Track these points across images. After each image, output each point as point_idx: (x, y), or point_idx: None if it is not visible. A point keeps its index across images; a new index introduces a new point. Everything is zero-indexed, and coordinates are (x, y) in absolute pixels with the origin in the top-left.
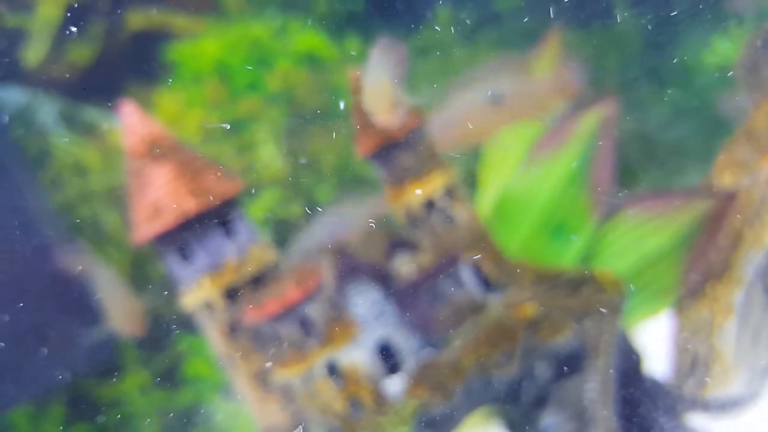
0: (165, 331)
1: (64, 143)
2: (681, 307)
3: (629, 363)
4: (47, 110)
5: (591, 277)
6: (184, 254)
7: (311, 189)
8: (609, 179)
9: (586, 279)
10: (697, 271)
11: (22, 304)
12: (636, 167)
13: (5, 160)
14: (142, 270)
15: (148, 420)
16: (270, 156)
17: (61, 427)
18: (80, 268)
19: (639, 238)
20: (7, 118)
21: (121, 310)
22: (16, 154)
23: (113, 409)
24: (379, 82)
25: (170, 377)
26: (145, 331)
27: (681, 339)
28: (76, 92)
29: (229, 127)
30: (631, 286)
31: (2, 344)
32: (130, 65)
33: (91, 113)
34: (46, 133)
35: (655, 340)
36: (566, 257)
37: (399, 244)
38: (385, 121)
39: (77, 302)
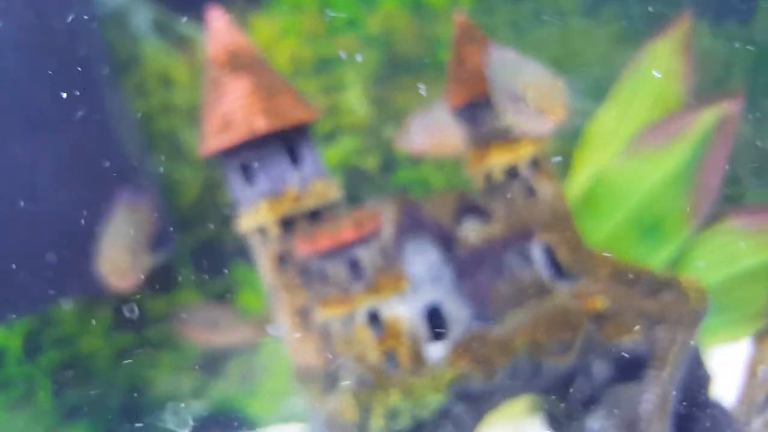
0: (224, 257)
1: (154, 51)
2: (765, 338)
3: (696, 382)
4: (142, 16)
5: (675, 283)
6: (247, 175)
7: (392, 143)
8: (717, 185)
9: (668, 283)
10: None
11: (88, 202)
12: (749, 177)
13: (92, 60)
14: (210, 193)
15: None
16: (356, 100)
17: (106, 333)
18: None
19: (736, 253)
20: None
21: (119, 262)
22: (104, 55)
23: (160, 324)
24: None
25: (220, 303)
26: (133, 287)
27: (759, 371)
28: (174, 3)
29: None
30: (716, 302)
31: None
32: None
33: (185, 25)
34: (138, 38)
35: (730, 367)
36: (654, 259)
37: (471, 209)
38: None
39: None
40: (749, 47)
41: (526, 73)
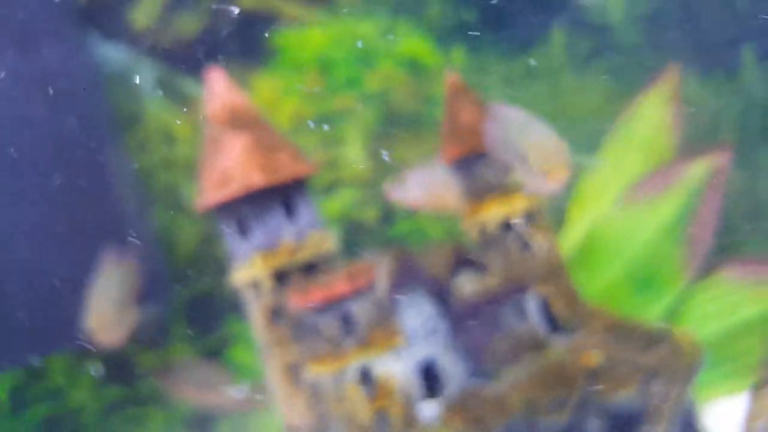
0: (217, 312)
1: (157, 108)
2: (762, 391)
3: None
4: (146, 74)
5: (669, 336)
6: (243, 228)
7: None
8: (710, 236)
9: (663, 337)
10: None
11: (83, 254)
12: (742, 229)
13: (96, 118)
14: (207, 247)
15: None
16: (355, 155)
17: (95, 384)
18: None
19: (731, 305)
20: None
21: (105, 316)
22: (108, 112)
23: (150, 379)
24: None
25: (213, 359)
26: (122, 344)
27: (756, 426)
28: (177, 61)
29: (313, 125)
30: (711, 355)
31: (56, 284)
32: (234, 43)
33: (188, 84)
34: (142, 96)
35: (726, 422)
36: (648, 312)
37: (466, 262)
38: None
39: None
40: (737, 98)
41: (530, 134)
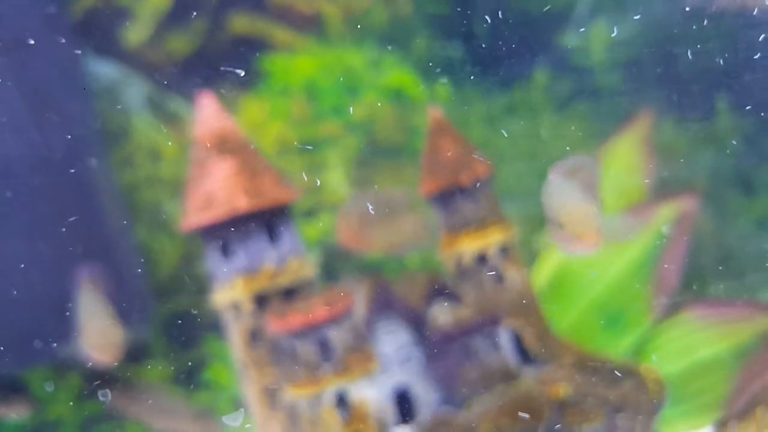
0: (196, 331)
1: (144, 125)
2: (724, 427)
3: None
4: (135, 91)
5: (634, 372)
6: (225, 251)
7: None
8: (675, 278)
9: (629, 373)
10: (749, 392)
11: (62, 270)
12: (708, 273)
13: (84, 132)
14: (188, 265)
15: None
16: (338, 181)
17: (74, 400)
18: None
19: (694, 343)
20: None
21: (98, 335)
22: (96, 127)
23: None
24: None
25: (191, 377)
26: (117, 359)
27: None
28: (167, 81)
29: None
30: (675, 392)
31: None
32: (223, 65)
33: (176, 103)
34: (130, 113)
35: None
36: (615, 348)
37: (441, 292)
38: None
39: (117, 280)
40: (709, 146)
41: (566, 199)
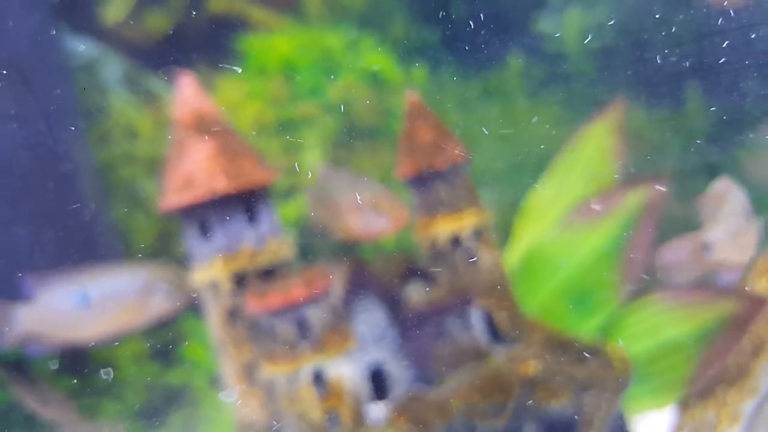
0: None
1: (121, 103)
2: (687, 405)
3: None
4: (113, 69)
5: (601, 351)
6: (204, 231)
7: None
8: (643, 261)
9: (595, 351)
10: (711, 372)
11: (40, 246)
12: None
13: (62, 108)
14: (164, 243)
15: (135, 389)
16: (314, 162)
17: (48, 375)
18: None
19: (659, 325)
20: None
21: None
22: (73, 104)
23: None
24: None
25: (167, 354)
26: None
27: None
28: (144, 59)
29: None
30: (640, 371)
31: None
32: (201, 44)
33: (153, 81)
34: (107, 90)
35: None
36: (583, 327)
37: (416, 273)
38: None
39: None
40: (679, 133)
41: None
